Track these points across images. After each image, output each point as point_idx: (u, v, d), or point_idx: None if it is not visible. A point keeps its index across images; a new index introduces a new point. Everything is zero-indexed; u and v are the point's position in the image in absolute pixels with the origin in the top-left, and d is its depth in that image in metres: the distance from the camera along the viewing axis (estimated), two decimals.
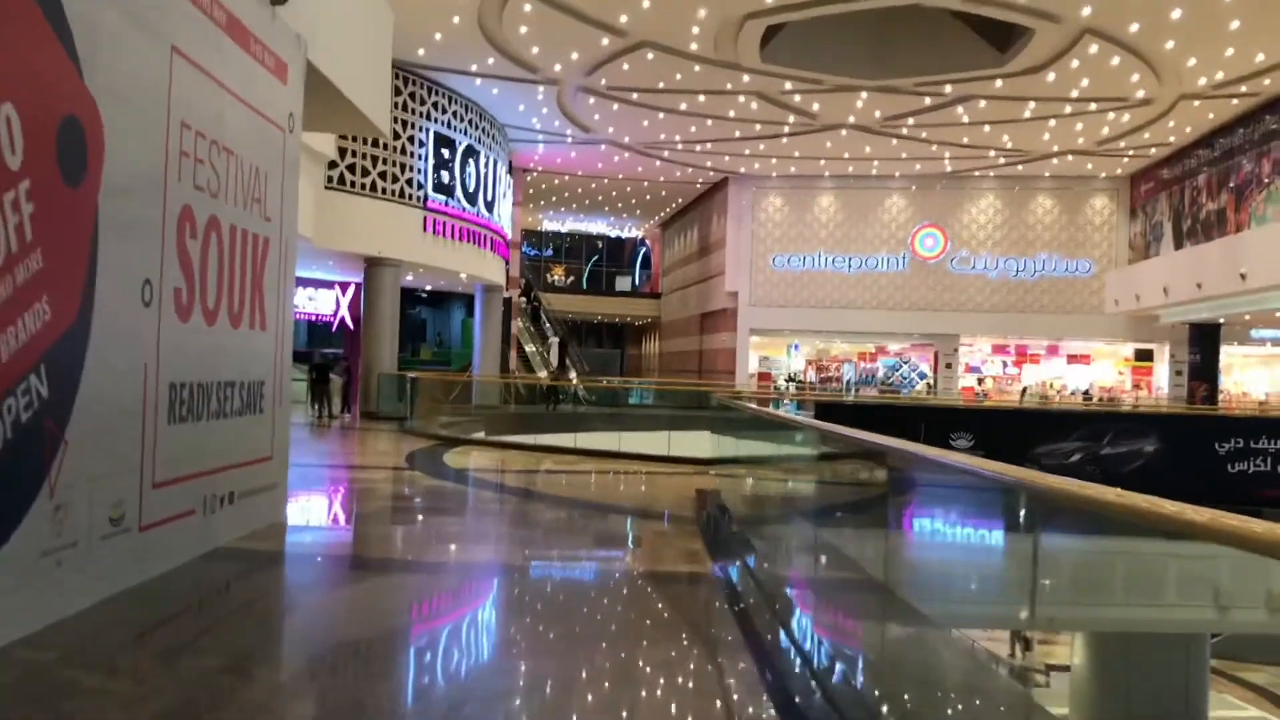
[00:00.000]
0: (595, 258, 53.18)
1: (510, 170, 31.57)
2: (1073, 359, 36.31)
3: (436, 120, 25.13)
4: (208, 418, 6.58)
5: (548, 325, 39.99)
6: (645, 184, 36.95)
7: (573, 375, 36.55)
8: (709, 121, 27.42)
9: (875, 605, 5.81)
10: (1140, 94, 23.55)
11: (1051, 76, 22.42)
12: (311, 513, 9.53)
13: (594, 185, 37.72)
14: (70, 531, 4.79)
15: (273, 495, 7.86)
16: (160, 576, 5.76)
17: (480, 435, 20.15)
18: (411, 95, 24.34)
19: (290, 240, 8.08)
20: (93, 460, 4.98)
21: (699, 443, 16.31)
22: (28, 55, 4.32)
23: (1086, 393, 34.71)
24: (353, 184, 22.93)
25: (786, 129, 28.03)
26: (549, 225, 49.14)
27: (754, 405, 13.76)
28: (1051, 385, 35.75)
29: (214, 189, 6.48)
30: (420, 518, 9.50)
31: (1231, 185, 25.58)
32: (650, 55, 22.00)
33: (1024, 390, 34.83)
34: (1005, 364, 36.84)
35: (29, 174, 4.33)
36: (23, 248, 4.31)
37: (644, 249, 52.62)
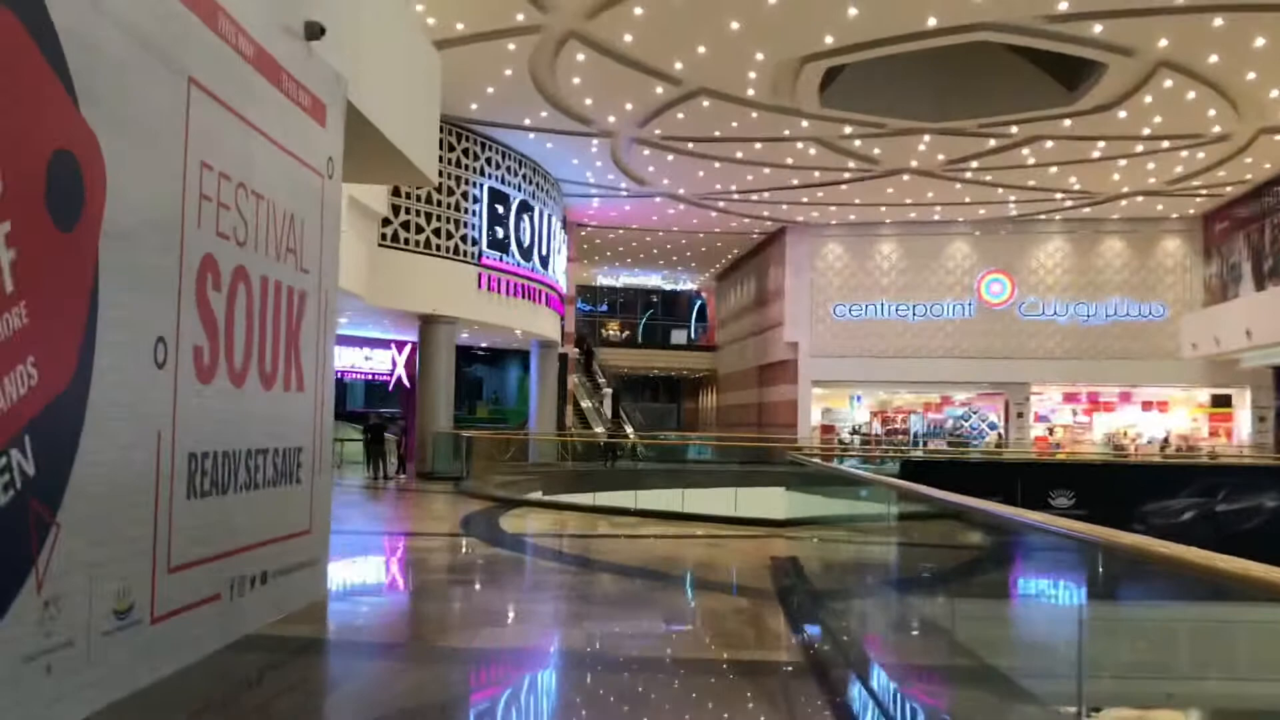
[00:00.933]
0: (650, 311, 52.64)
1: (564, 225, 31.18)
2: (1147, 406, 34.87)
3: (490, 175, 24.79)
4: (235, 490, 5.93)
5: (600, 377, 39.42)
6: (700, 235, 36.39)
7: (629, 430, 35.88)
8: (766, 170, 26.82)
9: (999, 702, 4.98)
10: (1217, 129, 22.54)
11: (1123, 114, 21.53)
12: (357, 590, 8.82)
13: (648, 238, 37.24)
14: (64, 629, 4.13)
15: (312, 572, 7.18)
16: (178, 673, 5.08)
17: (537, 495, 19.45)
18: (465, 151, 24.04)
19: (330, 293, 7.47)
20: (92, 545, 4.32)
21: (767, 501, 15.45)
22: (6, 78, 3.73)
23: (1165, 440, 33.26)
24: (406, 241, 22.58)
25: (846, 175, 27.32)
26: (603, 280, 48.75)
27: (819, 461, 12.92)
28: (1125, 433, 34.37)
29: (241, 237, 5.89)
30: (475, 593, 8.75)
31: None
32: (706, 103, 21.48)
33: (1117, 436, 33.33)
34: (1075, 412, 35.51)
35: (10, 215, 3.73)
36: (1, 300, 3.70)
37: (699, 301, 52.01)
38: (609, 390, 38.68)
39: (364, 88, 8.45)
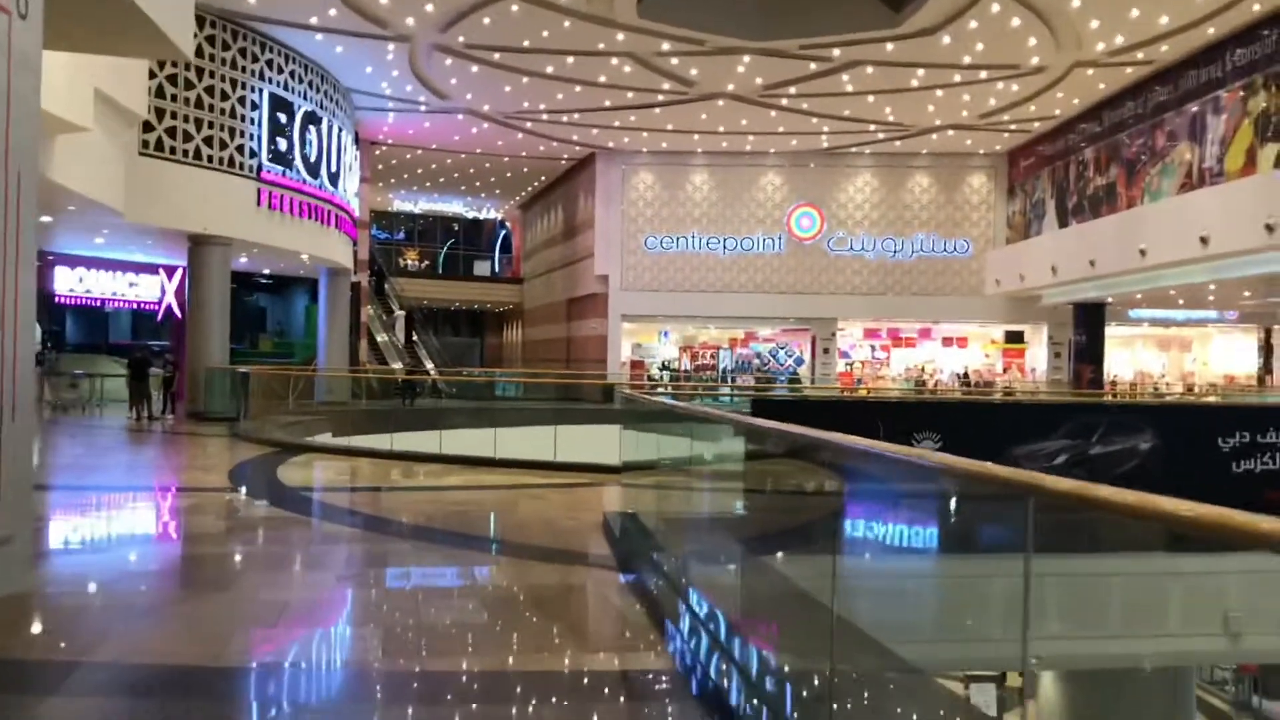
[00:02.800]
0: (451, 241, 50.10)
1: (357, 142, 28.63)
2: (947, 342, 35.50)
3: (271, 81, 22.11)
4: None
5: (393, 299, 37.09)
6: (506, 159, 34.36)
7: (430, 366, 33.91)
8: (577, 88, 25.13)
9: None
10: (1034, 60, 22.36)
11: (946, 39, 20.97)
12: (70, 577, 6.72)
13: (449, 161, 34.93)
14: None
15: (4, 556, 5.29)
16: None
17: (325, 438, 17.48)
18: (242, 51, 21.30)
19: (25, 177, 5.47)
20: None
21: (588, 444, 14.11)
22: None
23: (965, 376, 33.85)
24: (172, 150, 19.80)
25: (661, 98, 25.95)
26: (401, 205, 45.93)
27: (666, 399, 11.54)
28: (923, 369, 34.91)
29: None
30: (232, 575, 6.81)
31: (1123, 159, 24.67)
32: (515, 7, 19.64)
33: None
34: (874, 348, 35.81)
35: None
36: None
37: (504, 231, 49.90)
38: (401, 313, 36.42)
39: None
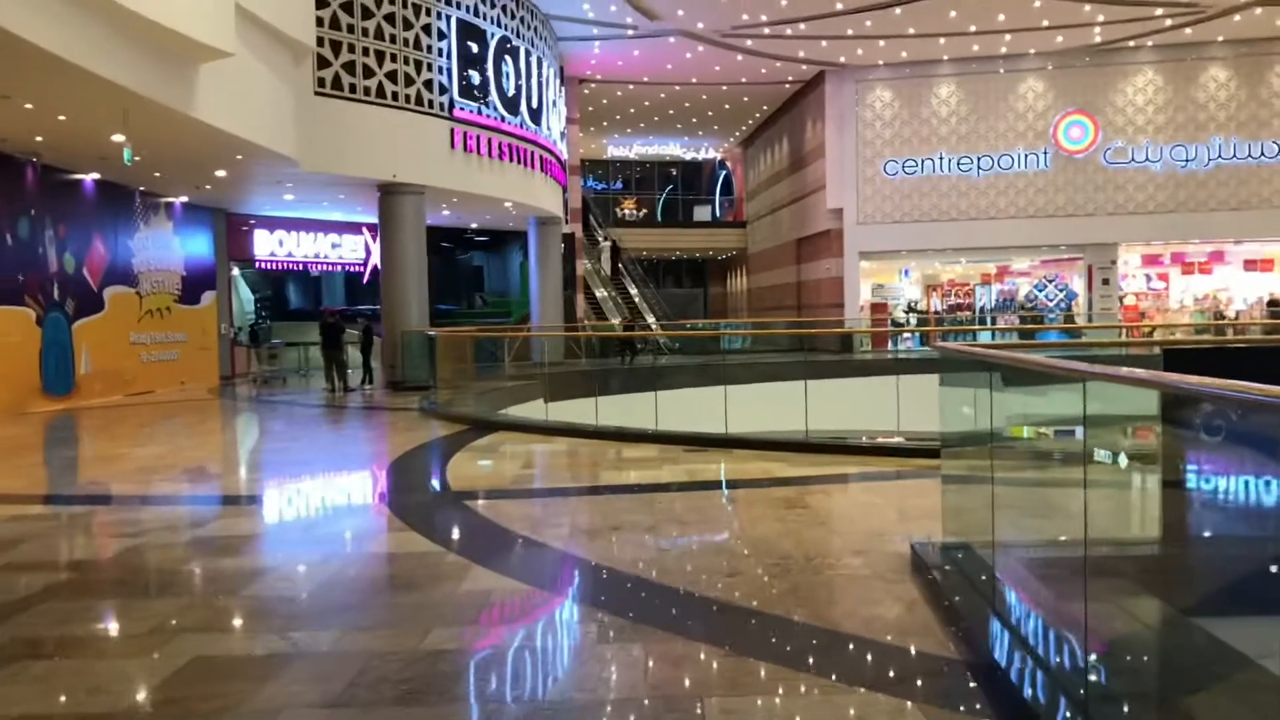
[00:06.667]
0: (669, 187, 47.29)
1: (562, 79, 26.02)
2: (1249, 265, 30.01)
3: (460, 5, 19.65)
4: None
5: (598, 231, 34.69)
6: (724, 88, 31.03)
7: (651, 320, 31.35)
8: None
9: None
10: None
11: None
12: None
13: (663, 95, 31.93)
14: None
15: None
16: None
17: (526, 409, 14.90)
18: None
19: None
20: None
21: (840, 407, 10.94)
22: None
23: (1275, 303, 28.36)
24: (351, 87, 17.62)
25: None
26: (615, 151, 43.40)
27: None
28: (1215, 296, 29.63)
29: None
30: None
31: None
32: None
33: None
34: (1149, 277, 30.72)
35: None
36: None
37: (724, 172, 46.62)
38: (606, 244, 33.91)
39: None
